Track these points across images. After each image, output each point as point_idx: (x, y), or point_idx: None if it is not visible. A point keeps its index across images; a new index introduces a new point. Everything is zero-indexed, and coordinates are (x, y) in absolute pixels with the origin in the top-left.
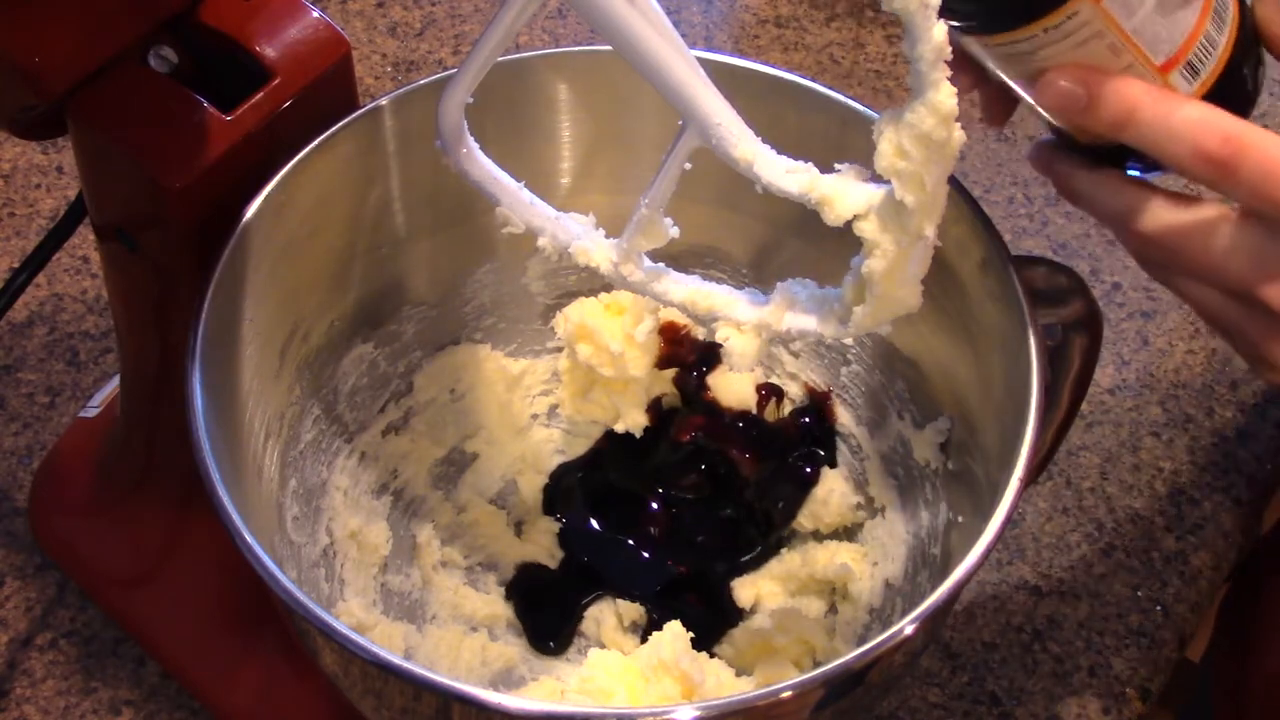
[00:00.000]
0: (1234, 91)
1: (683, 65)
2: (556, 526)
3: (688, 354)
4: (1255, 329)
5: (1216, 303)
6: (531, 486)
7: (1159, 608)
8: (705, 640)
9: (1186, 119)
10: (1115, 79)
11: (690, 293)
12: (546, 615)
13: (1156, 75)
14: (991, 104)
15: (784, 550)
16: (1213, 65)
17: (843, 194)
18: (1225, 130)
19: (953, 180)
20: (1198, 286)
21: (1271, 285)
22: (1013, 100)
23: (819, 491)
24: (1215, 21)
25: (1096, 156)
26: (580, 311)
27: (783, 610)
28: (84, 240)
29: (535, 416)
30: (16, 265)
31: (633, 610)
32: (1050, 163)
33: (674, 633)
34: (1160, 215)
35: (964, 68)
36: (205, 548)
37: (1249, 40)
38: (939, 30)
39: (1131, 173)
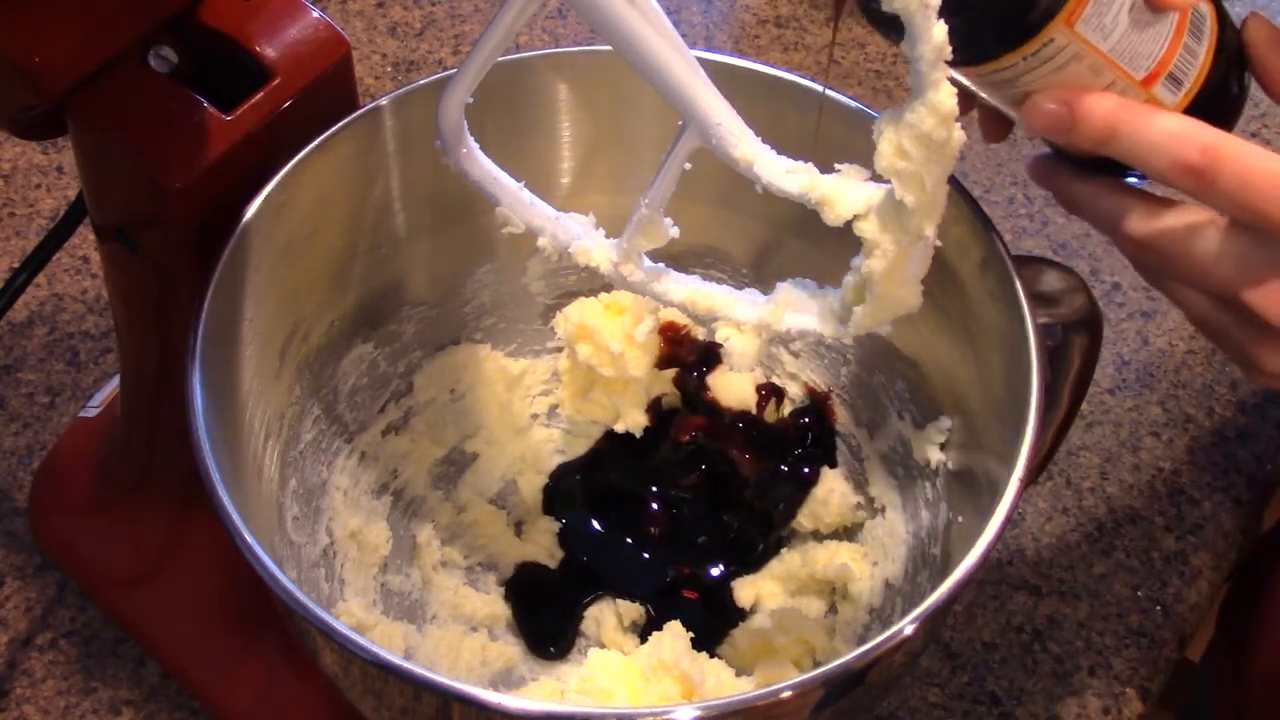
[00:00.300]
0: (1220, 97)
1: (683, 65)
2: (556, 526)
3: (688, 354)
4: (1243, 334)
5: (1205, 307)
6: (531, 486)
7: (1159, 608)
8: (705, 640)
9: (1164, 131)
10: (1094, 96)
11: (690, 293)
12: (546, 618)
13: (1140, 90)
14: (989, 123)
15: (784, 550)
16: (1195, 74)
17: (843, 194)
18: (1203, 141)
19: (953, 180)
20: (1188, 291)
21: (1256, 290)
22: (1009, 119)
23: (819, 491)
24: (1193, 33)
25: (1094, 166)
26: (580, 311)
27: (783, 610)
28: (84, 240)
29: (535, 416)
30: (16, 265)
31: (633, 610)
32: (1050, 175)
33: (674, 633)
34: (1150, 221)
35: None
36: (205, 548)
37: (1230, 47)
38: (939, 30)
39: (1131, 180)
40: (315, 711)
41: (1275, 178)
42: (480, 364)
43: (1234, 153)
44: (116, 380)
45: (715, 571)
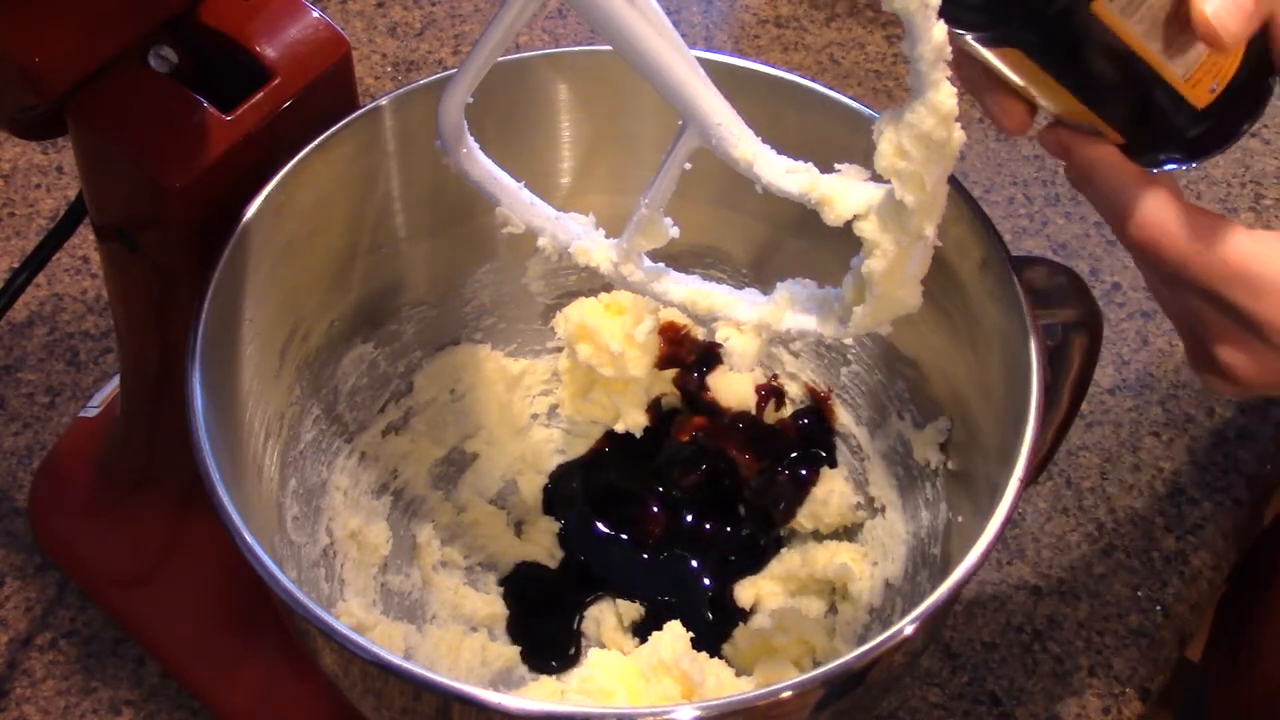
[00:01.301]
0: None
1: (683, 65)
2: (556, 526)
3: (688, 354)
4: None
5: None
6: (531, 486)
7: (1159, 608)
8: (706, 640)
9: (1111, 189)
10: (1091, 144)
11: (690, 293)
12: (546, 621)
13: None
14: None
15: (784, 550)
16: None
17: (843, 194)
18: (1135, 215)
19: (953, 180)
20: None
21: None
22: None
23: (819, 491)
24: None
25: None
26: (580, 311)
27: (783, 610)
28: (84, 240)
29: (535, 416)
30: (16, 265)
31: (633, 610)
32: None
33: (674, 633)
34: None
35: (1000, 88)
36: (205, 548)
37: None
38: (939, 30)
39: (1169, 167)
40: (315, 711)
41: (1176, 240)
42: (480, 364)
43: (1145, 218)
44: (116, 380)
45: (715, 572)
